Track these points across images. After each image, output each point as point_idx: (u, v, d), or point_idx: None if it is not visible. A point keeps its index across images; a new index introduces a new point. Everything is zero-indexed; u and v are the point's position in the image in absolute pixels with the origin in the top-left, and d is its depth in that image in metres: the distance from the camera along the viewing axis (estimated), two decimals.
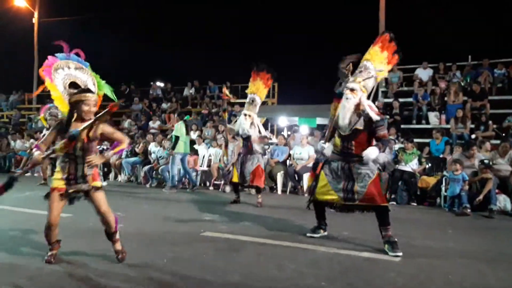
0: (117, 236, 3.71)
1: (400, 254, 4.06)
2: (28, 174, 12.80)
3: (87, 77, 3.86)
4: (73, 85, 3.72)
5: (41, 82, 3.81)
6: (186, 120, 10.13)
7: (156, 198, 8.31)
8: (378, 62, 4.42)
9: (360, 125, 4.32)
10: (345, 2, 19.27)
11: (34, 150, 3.53)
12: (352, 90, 4.31)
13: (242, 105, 15.99)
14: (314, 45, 20.69)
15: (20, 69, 22.55)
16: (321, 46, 20.23)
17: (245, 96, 19.43)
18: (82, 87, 3.69)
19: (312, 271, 3.51)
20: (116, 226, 3.71)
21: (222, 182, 9.93)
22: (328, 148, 4.56)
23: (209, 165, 10.78)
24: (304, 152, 9.60)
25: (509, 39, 16.21)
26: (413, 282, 3.33)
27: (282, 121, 15.27)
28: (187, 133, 9.78)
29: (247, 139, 7.26)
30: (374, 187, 4.32)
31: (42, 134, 10.04)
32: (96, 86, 3.89)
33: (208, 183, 10.67)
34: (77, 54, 3.89)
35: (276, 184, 9.76)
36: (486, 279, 3.46)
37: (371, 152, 4.19)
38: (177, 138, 9.53)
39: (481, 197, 7.07)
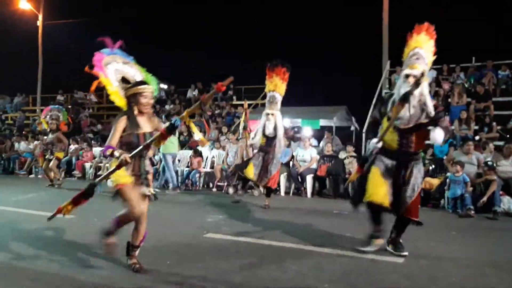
0: (137, 252, 3.55)
1: (406, 253, 4.04)
2: (32, 175, 12.93)
3: (134, 71, 3.73)
4: (123, 80, 3.61)
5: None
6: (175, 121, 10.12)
7: (160, 200, 8.29)
8: (428, 51, 4.06)
9: (424, 119, 3.89)
10: (348, 3, 19.23)
11: (113, 152, 3.22)
12: (415, 76, 3.85)
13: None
14: (316, 46, 20.63)
15: (24, 71, 22.62)
16: (323, 47, 20.18)
17: (248, 98, 19.38)
18: (132, 81, 3.57)
19: (314, 273, 3.51)
20: (142, 241, 3.57)
21: (225, 183, 9.93)
22: (380, 146, 4.05)
23: (212, 167, 10.79)
24: (306, 154, 9.59)
25: None
26: (416, 284, 3.32)
27: (285, 122, 15.24)
28: (174, 134, 9.79)
29: (271, 139, 7.04)
30: (417, 199, 4.08)
31: (45, 137, 10.08)
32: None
33: (211, 185, 10.68)
34: (120, 48, 3.75)
35: (279, 186, 9.76)
36: (490, 281, 3.44)
37: (438, 134, 3.81)
38: None
39: (485, 198, 7.04)
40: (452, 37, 17.26)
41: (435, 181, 8.20)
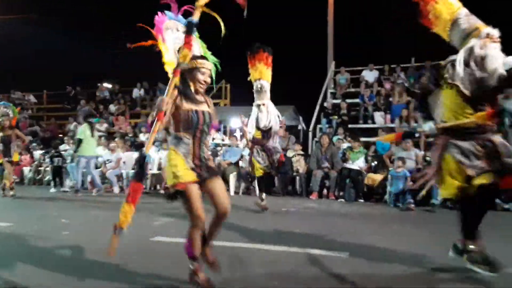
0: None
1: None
2: None
3: (195, 45, 3.24)
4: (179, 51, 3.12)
5: None
6: (92, 122, 9.89)
7: (105, 203, 8.03)
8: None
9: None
10: (293, 4, 19.55)
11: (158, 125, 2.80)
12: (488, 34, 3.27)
13: None
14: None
15: None
16: (272, 47, 20.37)
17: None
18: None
19: (265, 271, 3.52)
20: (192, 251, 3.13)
21: None
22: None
23: (159, 168, 10.56)
24: None
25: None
26: (362, 277, 3.42)
27: (235, 122, 15.22)
28: (92, 135, 9.52)
29: (267, 131, 6.53)
30: None
31: None
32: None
33: (158, 187, 10.46)
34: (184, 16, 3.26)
35: (228, 186, 9.75)
36: (431, 271, 3.60)
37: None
38: (80, 140, 9.32)
39: (423, 192, 7.41)
40: (393, 39, 18.11)
41: (378, 177, 8.55)
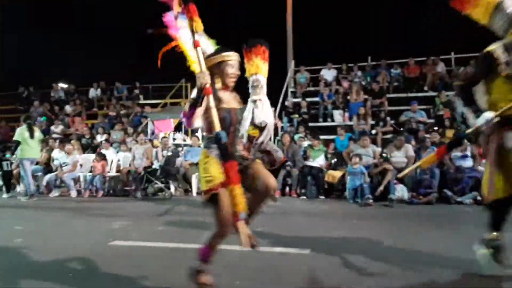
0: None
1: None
2: None
3: (205, 42, 3.12)
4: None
5: None
6: (31, 124, 9.62)
7: (61, 208, 7.74)
8: None
9: None
10: (252, 3, 19.61)
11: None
12: None
13: (154, 106, 15.66)
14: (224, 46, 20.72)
15: None
16: (232, 47, 20.30)
17: (156, 97, 18.77)
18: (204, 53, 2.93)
19: (226, 271, 3.50)
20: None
21: (134, 187, 9.54)
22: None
23: (118, 171, 10.29)
24: None
25: (403, 41, 17.84)
26: (322, 273, 3.45)
27: (196, 121, 15.06)
28: (31, 137, 9.24)
29: (263, 128, 6.47)
30: None
31: None
32: None
33: (117, 190, 10.20)
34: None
35: (191, 187, 9.64)
36: (391, 263, 3.67)
37: None
38: (18, 143, 9.05)
39: (381, 187, 7.66)
40: (350, 38, 18.55)
41: (337, 174, 8.71)
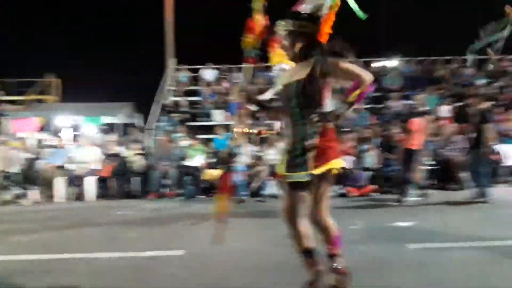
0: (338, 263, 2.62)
1: None
2: None
3: None
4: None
5: None
6: None
7: None
8: None
9: None
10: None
11: None
12: None
13: (14, 103, 14.04)
14: (99, 43, 19.52)
15: None
16: (107, 44, 19.27)
17: (21, 93, 16.83)
18: None
19: (91, 282, 3.30)
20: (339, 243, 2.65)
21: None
22: None
23: None
24: (87, 155, 9.02)
25: None
26: (193, 275, 3.45)
27: (64, 120, 13.79)
28: None
29: None
30: None
31: None
32: None
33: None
34: None
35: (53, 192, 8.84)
36: (271, 255, 3.83)
37: None
38: None
39: (255, 184, 8.02)
40: (231, 39, 18.90)
41: (216, 172, 8.83)
